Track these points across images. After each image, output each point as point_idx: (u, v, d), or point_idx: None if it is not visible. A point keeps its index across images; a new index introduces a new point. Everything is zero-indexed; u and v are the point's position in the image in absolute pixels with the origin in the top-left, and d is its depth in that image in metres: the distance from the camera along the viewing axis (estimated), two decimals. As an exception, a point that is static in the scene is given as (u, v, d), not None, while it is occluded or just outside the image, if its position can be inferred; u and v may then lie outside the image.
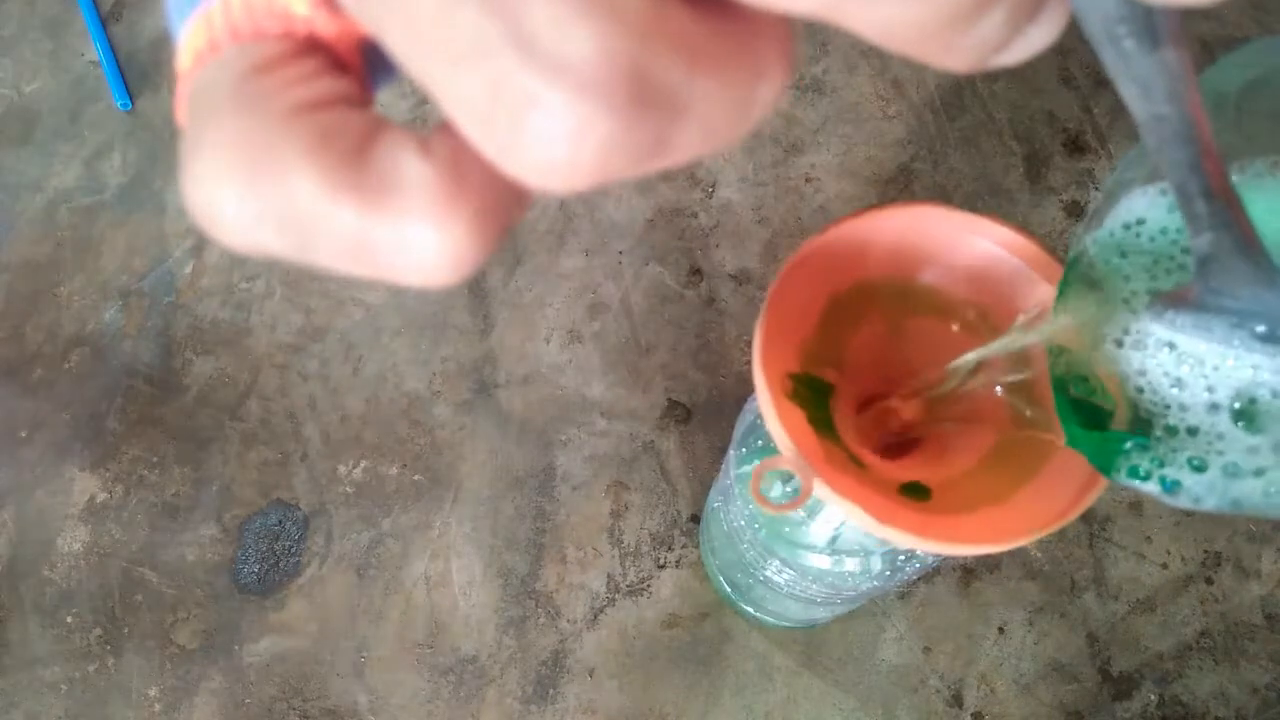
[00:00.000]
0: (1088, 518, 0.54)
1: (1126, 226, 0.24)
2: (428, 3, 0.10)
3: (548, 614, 0.52)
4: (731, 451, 0.41)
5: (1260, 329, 0.18)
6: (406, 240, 0.11)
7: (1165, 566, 0.53)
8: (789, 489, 0.36)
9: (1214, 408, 0.20)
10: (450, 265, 0.12)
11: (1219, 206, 0.16)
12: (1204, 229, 0.16)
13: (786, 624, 0.51)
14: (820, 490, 0.27)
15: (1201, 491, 0.20)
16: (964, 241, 0.31)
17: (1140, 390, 0.22)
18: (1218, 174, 0.15)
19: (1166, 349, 0.21)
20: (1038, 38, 0.12)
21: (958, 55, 0.11)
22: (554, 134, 0.10)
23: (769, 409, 0.28)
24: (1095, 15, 0.13)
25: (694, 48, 0.10)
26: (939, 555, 0.35)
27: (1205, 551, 0.54)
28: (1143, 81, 0.14)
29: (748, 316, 0.59)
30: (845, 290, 0.32)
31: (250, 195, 0.11)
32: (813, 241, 0.30)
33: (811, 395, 0.30)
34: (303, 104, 0.12)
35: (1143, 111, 0.14)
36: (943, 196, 0.62)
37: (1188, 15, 0.13)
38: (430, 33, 0.10)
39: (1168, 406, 0.21)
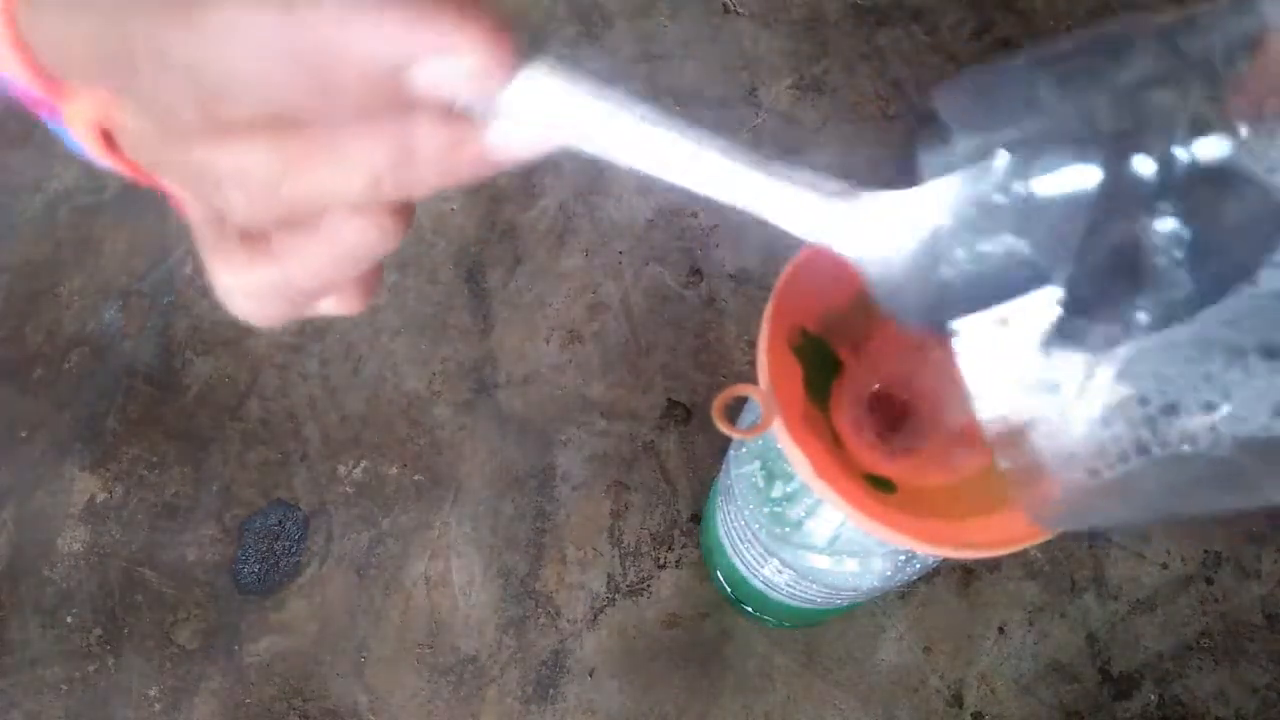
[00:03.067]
0: (1088, 518, 0.54)
1: None
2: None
3: (548, 614, 0.52)
4: (731, 452, 0.41)
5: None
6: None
7: (1165, 566, 0.53)
8: (788, 489, 0.36)
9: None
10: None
11: (778, 169, 0.16)
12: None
13: (787, 624, 0.51)
14: (778, 429, 0.26)
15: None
16: None
17: None
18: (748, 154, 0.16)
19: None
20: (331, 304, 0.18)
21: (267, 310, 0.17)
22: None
23: (764, 340, 0.28)
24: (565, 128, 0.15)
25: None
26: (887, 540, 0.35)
27: (1205, 551, 0.54)
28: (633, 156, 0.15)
29: (748, 316, 0.59)
30: None
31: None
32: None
33: (816, 360, 0.30)
34: None
35: (660, 169, 0.16)
36: (943, 196, 0.62)
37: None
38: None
39: None
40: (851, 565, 0.36)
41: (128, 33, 0.13)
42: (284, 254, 0.15)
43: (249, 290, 0.16)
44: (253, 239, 0.16)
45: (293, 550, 0.54)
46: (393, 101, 0.14)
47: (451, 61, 0.13)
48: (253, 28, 0.13)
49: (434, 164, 0.15)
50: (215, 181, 0.14)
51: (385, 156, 0.14)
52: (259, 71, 0.13)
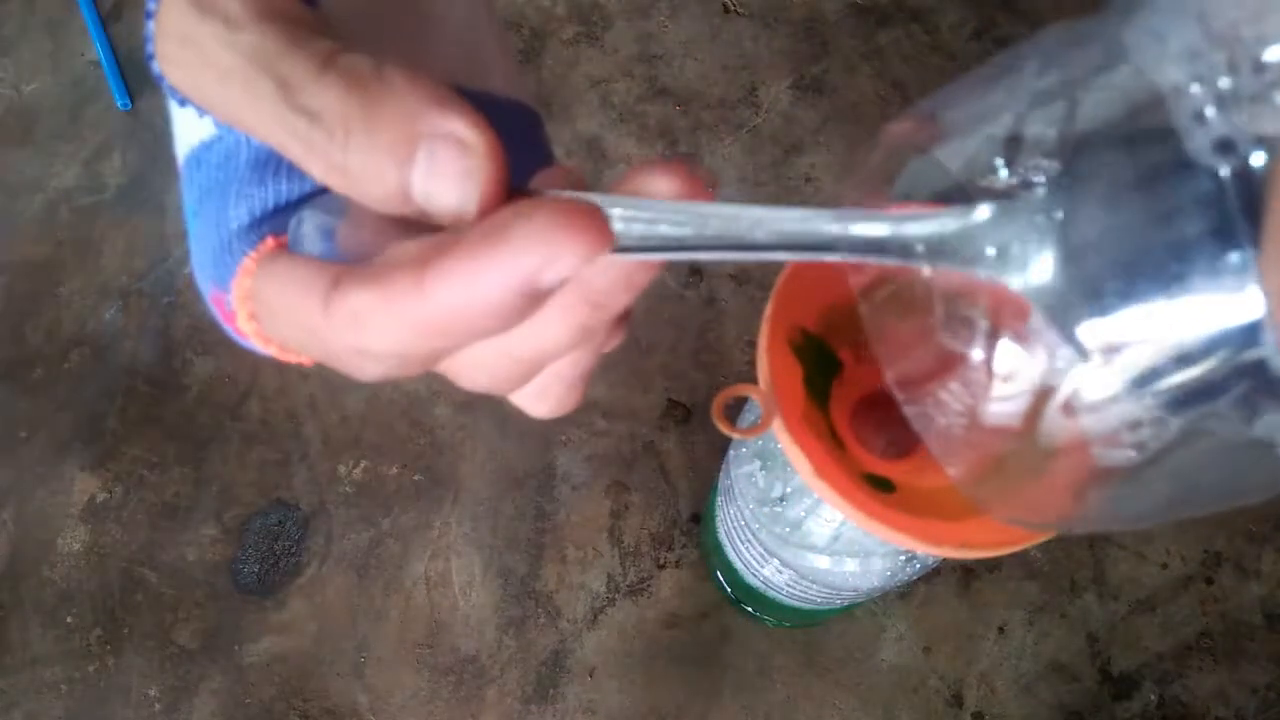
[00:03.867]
0: (1088, 518, 0.54)
1: None
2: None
3: (548, 614, 0.52)
4: (731, 452, 0.41)
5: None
6: None
7: (1165, 566, 0.53)
8: (788, 489, 0.36)
9: None
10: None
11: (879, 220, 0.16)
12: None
13: (787, 624, 0.51)
14: (777, 428, 0.27)
15: None
16: None
17: None
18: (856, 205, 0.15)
19: None
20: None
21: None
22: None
23: (764, 340, 0.28)
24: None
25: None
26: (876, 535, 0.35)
27: (1205, 551, 0.54)
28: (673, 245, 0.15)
29: (748, 316, 0.59)
30: (904, 273, 0.31)
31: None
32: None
33: (817, 361, 0.30)
34: None
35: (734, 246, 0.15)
36: (943, 196, 0.62)
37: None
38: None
39: None
40: (851, 565, 0.36)
41: (328, 355, 0.15)
42: (544, 370, 0.18)
43: (534, 397, 0.19)
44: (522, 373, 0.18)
45: (293, 550, 0.54)
46: (544, 294, 0.15)
47: (563, 264, 0.14)
48: (405, 328, 0.14)
49: (611, 300, 0.16)
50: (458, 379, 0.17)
51: (571, 325, 0.16)
52: (429, 346, 0.15)
